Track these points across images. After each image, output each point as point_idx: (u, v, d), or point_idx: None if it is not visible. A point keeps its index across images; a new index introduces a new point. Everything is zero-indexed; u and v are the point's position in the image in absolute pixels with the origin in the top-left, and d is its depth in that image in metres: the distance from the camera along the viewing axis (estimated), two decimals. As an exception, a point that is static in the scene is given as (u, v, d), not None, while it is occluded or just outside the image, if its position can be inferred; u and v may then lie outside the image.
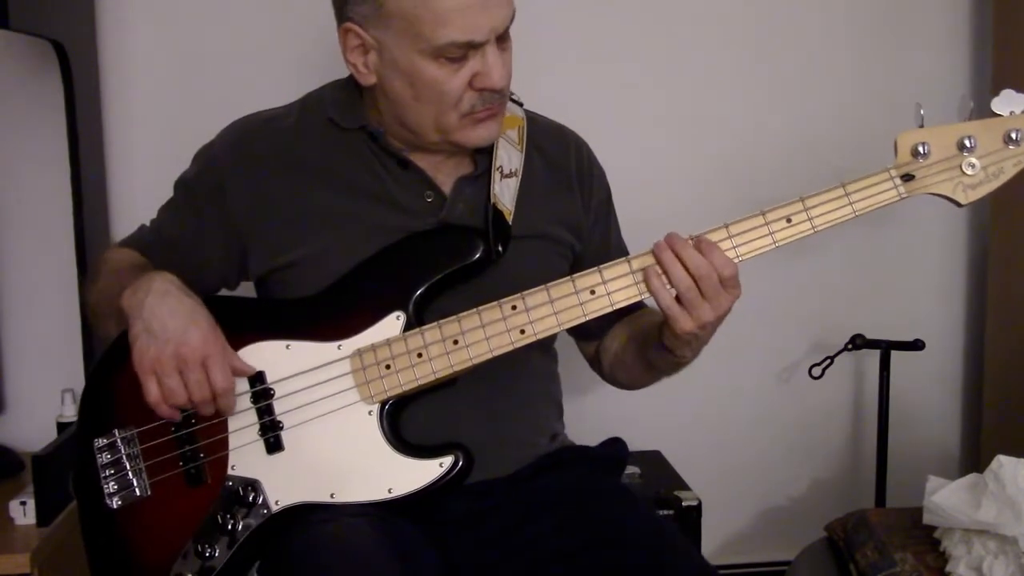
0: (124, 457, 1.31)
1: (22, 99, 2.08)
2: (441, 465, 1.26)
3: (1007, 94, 1.27)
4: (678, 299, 1.24)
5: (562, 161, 1.48)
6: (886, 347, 2.18)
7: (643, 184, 2.16)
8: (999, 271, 2.27)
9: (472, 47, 1.26)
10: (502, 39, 1.30)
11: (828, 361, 2.22)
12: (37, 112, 2.05)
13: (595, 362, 1.58)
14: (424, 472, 1.26)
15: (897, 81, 2.28)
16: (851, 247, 2.32)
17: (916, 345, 2.17)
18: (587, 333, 1.54)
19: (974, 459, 2.38)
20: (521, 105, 1.48)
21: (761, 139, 2.25)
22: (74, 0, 2.01)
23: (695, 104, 2.25)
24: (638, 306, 1.50)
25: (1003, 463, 1.59)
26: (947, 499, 1.63)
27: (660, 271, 1.25)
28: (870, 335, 2.19)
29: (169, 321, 1.24)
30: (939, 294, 2.39)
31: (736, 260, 1.26)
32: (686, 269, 1.23)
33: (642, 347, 1.42)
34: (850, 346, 2.19)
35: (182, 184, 1.47)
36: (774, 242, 1.27)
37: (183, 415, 1.28)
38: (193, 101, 2.08)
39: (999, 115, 1.27)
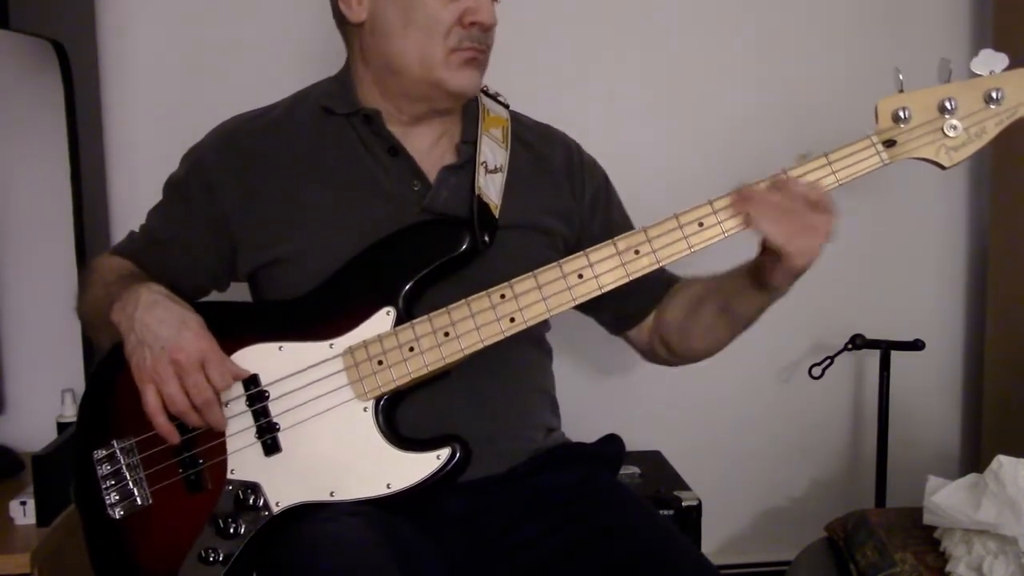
0: (124, 467, 1.31)
1: (22, 99, 2.08)
2: (439, 457, 1.26)
3: (986, 53, 1.26)
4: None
5: (548, 155, 1.50)
6: (886, 347, 2.18)
7: (637, 174, 2.15)
8: (999, 271, 2.26)
9: None
10: None
11: (828, 361, 2.22)
12: (37, 112, 2.06)
13: (656, 345, 1.54)
14: (422, 465, 1.26)
15: (897, 64, 2.27)
16: (851, 247, 2.31)
17: (916, 345, 2.17)
18: (628, 319, 1.53)
19: (974, 459, 2.38)
20: (507, 107, 1.50)
21: (758, 134, 2.25)
22: (74, 0, 2.01)
23: (690, 98, 2.25)
24: (672, 280, 1.50)
25: (1003, 463, 1.59)
26: (947, 499, 1.63)
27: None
28: (870, 335, 2.19)
29: (160, 330, 1.24)
30: (939, 294, 2.39)
31: (722, 235, 1.27)
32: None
33: (727, 300, 1.41)
34: (850, 346, 2.19)
35: (171, 186, 1.48)
36: None
37: (182, 436, 1.28)
38: (193, 101, 2.08)
39: (979, 75, 1.26)
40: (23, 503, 1.77)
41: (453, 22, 1.33)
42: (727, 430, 2.33)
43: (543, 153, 1.50)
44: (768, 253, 1.28)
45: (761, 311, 1.40)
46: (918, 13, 2.29)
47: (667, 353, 1.55)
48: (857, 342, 2.19)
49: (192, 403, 1.24)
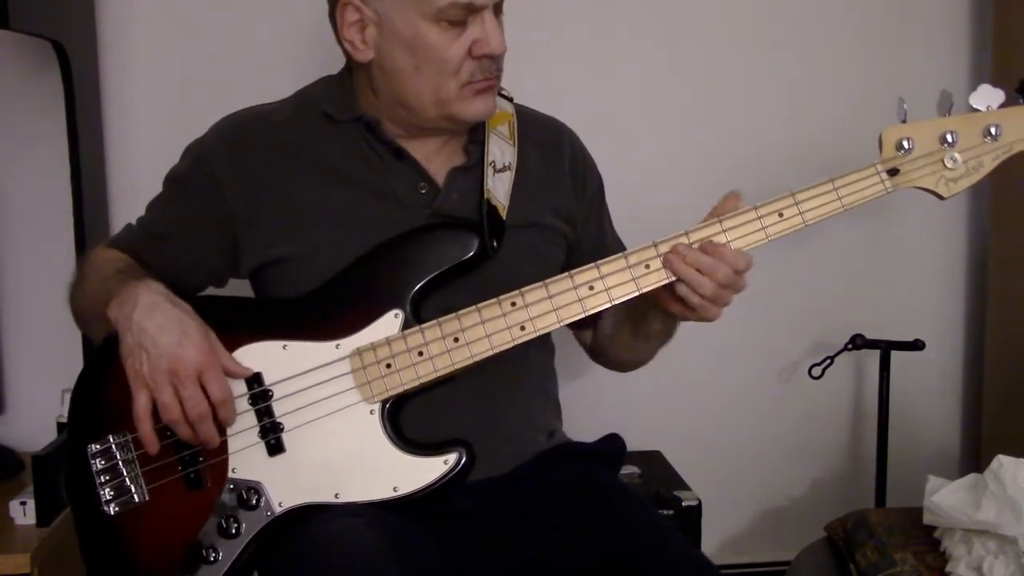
0: (120, 463, 1.29)
1: (22, 99, 2.07)
2: (446, 462, 1.26)
3: (984, 89, 1.30)
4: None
5: (556, 151, 1.49)
6: (886, 347, 2.19)
7: (643, 183, 2.17)
8: (999, 271, 2.27)
9: (472, 10, 1.29)
10: (499, 9, 1.34)
11: (828, 361, 2.22)
12: (37, 112, 2.05)
13: (595, 348, 1.59)
14: (429, 470, 1.26)
15: (899, 83, 2.28)
16: (851, 247, 2.32)
17: (916, 345, 2.17)
18: (583, 322, 1.54)
19: (974, 459, 2.38)
20: (511, 100, 1.49)
21: (764, 140, 2.26)
22: (74, 0, 2.00)
23: (697, 105, 2.26)
24: None
25: (1003, 463, 1.60)
26: (947, 499, 1.64)
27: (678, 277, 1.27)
28: (870, 335, 2.19)
29: (160, 337, 1.23)
30: (939, 294, 2.40)
31: None
32: (702, 273, 1.26)
33: (640, 321, 1.43)
34: (850, 346, 2.19)
35: (173, 179, 1.46)
36: (767, 236, 1.28)
37: (170, 440, 1.26)
38: (193, 100, 2.08)
39: (978, 110, 1.29)
40: (23, 503, 1.77)
41: (463, 56, 1.31)
42: (727, 430, 2.34)
43: (550, 148, 1.49)
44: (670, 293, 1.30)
45: (668, 329, 1.43)
46: (920, 23, 2.31)
47: (601, 357, 1.59)
48: (857, 342, 2.19)
49: (186, 415, 1.23)
